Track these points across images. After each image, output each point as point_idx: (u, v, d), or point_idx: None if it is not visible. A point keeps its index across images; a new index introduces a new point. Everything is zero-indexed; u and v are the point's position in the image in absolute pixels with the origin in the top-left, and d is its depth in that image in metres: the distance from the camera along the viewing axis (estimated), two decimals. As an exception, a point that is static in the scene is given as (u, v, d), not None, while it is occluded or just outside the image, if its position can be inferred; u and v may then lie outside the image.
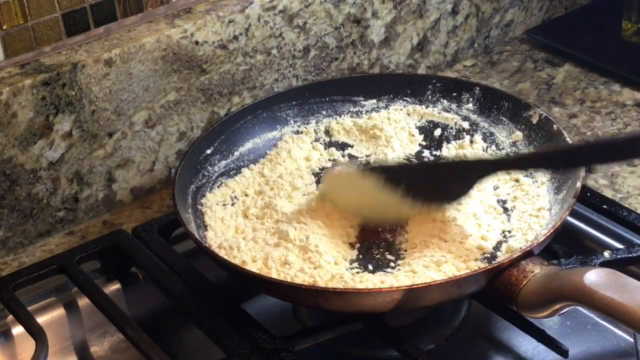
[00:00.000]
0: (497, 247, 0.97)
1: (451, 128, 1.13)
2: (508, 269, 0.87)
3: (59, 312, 1.03)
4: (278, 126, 1.14)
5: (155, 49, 1.11)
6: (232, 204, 1.05)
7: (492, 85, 1.28)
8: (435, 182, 0.99)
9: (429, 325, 1.00)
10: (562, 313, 0.85)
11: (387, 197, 0.97)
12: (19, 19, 1.05)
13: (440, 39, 1.37)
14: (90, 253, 1.04)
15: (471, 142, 1.11)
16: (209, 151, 1.08)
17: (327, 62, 1.27)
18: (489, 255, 0.96)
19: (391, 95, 1.16)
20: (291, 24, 1.21)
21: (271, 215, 1.01)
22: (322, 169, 1.10)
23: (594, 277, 0.81)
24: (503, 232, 0.99)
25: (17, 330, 0.99)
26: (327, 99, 1.15)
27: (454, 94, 1.14)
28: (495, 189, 1.05)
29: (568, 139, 1.01)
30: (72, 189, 1.12)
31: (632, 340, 0.99)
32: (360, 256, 0.98)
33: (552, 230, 0.90)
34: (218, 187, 1.07)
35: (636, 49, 1.38)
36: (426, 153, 1.11)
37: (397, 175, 0.98)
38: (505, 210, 1.02)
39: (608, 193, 1.11)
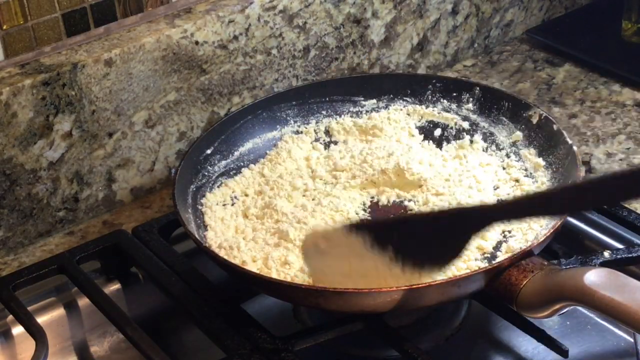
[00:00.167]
0: (497, 247, 0.97)
1: (451, 128, 1.13)
2: (508, 269, 0.87)
3: (59, 312, 1.03)
4: (278, 126, 1.14)
5: (155, 49, 1.11)
6: (232, 204, 1.05)
7: (492, 85, 1.28)
8: (427, 238, 0.89)
9: (429, 325, 1.00)
10: (562, 313, 0.85)
11: (375, 259, 0.88)
12: (19, 19, 1.05)
13: (440, 39, 1.37)
14: (90, 253, 1.04)
15: (471, 142, 1.11)
16: (209, 151, 1.08)
17: (327, 62, 1.27)
18: (489, 255, 0.96)
19: (391, 95, 1.16)
20: (291, 24, 1.21)
21: (271, 215, 1.01)
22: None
23: (594, 277, 0.81)
24: (503, 232, 0.99)
25: (17, 330, 0.99)
26: (327, 99, 1.15)
27: (454, 94, 1.14)
28: (495, 189, 1.05)
29: (568, 139, 1.01)
30: (72, 189, 1.12)
31: (632, 340, 0.99)
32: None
33: (552, 230, 0.90)
34: (218, 187, 1.07)
35: (636, 49, 1.38)
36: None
37: (385, 234, 0.89)
38: (506, 210, 1.02)
39: (608, 193, 1.11)
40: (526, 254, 0.88)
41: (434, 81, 1.15)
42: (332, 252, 0.89)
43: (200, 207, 1.03)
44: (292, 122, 1.14)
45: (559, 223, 0.91)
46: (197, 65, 1.15)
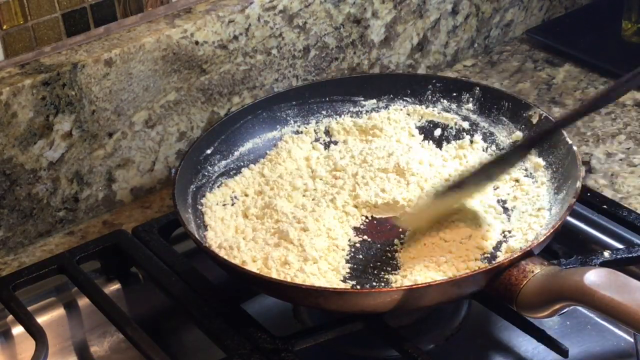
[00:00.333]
0: (497, 247, 0.97)
1: (451, 128, 1.13)
2: (508, 269, 0.87)
3: (59, 312, 1.03)
4: (278, 126, 1.14)
5: (155, 49, 1.11)
6: (232, 204, 1.05)
7: (492, 85, 1.28)
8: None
9: (429, 325, 1.00)
10: (562, 313, 0.85)
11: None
12: (19, 19, 1.05)
13: (440, 39, 1.37)
14: (90, 253, 1.04)
15: (471, 142, 1.11)
16: (209, 151, 1.08)
17: (327, 62, 1.27)
18: (489, 255, 0.96)
19: (391, 95, 1.16)
20: (291, 24, 1.21)
21: (271, 215, 1.01)
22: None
23: (594, 277, 0.81)
24: (503, 232, 0.99)
25: (17, 330, 0.99)
26: (327, 99, 1.15)
27: (454, 94, 1.14)
28: (495, 189, 1.05)
29: (568, 139, 1.01)
30: (72, 189, 1.12)
31: (632, 340, 0.99)
32: (361, 256, 0.98)
33: (552, 230, 0.90)
34: (218, 187, 1.07)
35: (636, 49, 1.38)
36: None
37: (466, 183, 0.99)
38: (505, 210, 1.02)
39: (608, 193, 1.11)
40: (526, 254, 0.88)
41: (434, 81, 1.15)
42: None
43: (200, 207, 1.03)
44: (292, 122, 1.14)
45: (559, 223, 0.91)
46: (197, 65, 1.15)
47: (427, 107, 1.15)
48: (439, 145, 1.13)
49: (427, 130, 1.14)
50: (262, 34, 1.19)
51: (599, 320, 1.01)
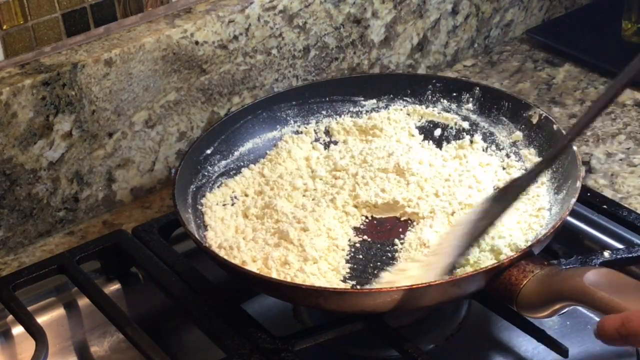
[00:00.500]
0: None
1: (451, 128, 1.13)
2: (508, 269, 0.87)
3: (59, 312, 1.03)
4: (278, 126, 1.14)
5: (155, 49, 1.11)
6: (232, 204, 1.05)
7: (492, 85, 1.28)
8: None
9: (429, 325, 1.00)
10: (562, 313, 0.85)
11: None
12: (19, 19, 1.05)
13: (440, 39, 1.37)
14: (90, 253, 1.04)
15: (471, 142, 1.11)
16: (209, 151, 1.08)
17: (327, 62, 1.27)
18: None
19: (391, 95, 1.16)
20: (291, 24, 1.21)
21: (271, 215, 1.01)
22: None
23: (594, 277, 0.81)
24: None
25: (17, 330, 0.99)
26: (327, 99, 1.15)
27: (454, 94, 1.14)
28: (495, 189, 1.05)
29: (568, 139, 1.01)
30: (72, 189, 1.12)
31: (632, 340, 0.98)
32: (361, 256, 0.98)
33: (552, 230, 0.90)
34: (218, 187, 1.07)
35: (636, 49, 1.36)
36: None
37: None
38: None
39: (608, 193, 1.11)
40: (526, 254, 0.88)
41: (433, 81, 1.15)
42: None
43: (200, 207, 1.03)
44: (292, 122, 1.14)
45: (559, 223, 0.91)
46: (197, 65, 1.15)
47: (427, 107, 1.15)
48: (439, 145, 1.13)
49: (427, 130, 1.14)
50: (262, 34, 1.19)
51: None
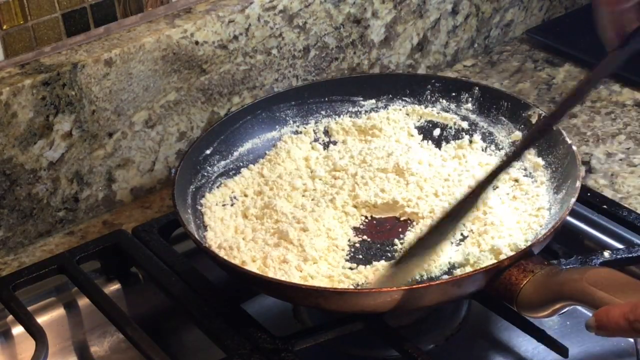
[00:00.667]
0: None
1: (450, 128, 1.13)
2: (508, 269, 0.87)
3: (59, 312, 1.03)
4: (277, 126, 1.14)
5: (155, 49, 1.11)
6: (232, 205, 1.05)
7: (492, 85, 1.28)
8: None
9: (429, 325, 1.00)
10: (562, 313, 0.85)
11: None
12: (19, 19, 1.05)
13: (440, 39, 1.37)
14: (90, 253, 1.04)
15: (470, 142, 1.11)
16: (208, 151, 1.08)
17: (327, 62, 1.27)
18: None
19: (390, 95, 1.16)
20: (291, 24, 1.21)
21: (271, 216, 1.01)
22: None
23: (594, 277, 0.81)
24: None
25: (17, 330, 0.99)
26: (326, 99, 1.15)
27: (453, 94, 1.14)
28: (494, 189, 1.05)
29: (567, 139, 1.01)
30: (72, 189, 1.12)
31: (632, 340, 0.98)
32: (360, 256, 0.98)
33: (552, 230, 0.90)
34: (217, 187, 1.07)
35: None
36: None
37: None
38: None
39: (608, 193, 1.11)
40: (526, 254, 0.88)
41: (433, 81, 1.15)
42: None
43: (199, 208, 1.03)
44: (291, 122, 1.14)
45: (559, 223, 0.91)
46: (197, 65, 1.15)
47: (426, 107, 1.15)
48: (438, 145, 1.13)
49: (426, 130, 1.14)
50: (262, 34, 1.19)
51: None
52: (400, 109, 1.15)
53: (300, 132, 1.14)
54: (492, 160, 1.09)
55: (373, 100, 1.16)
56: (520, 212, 1.00)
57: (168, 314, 1.06)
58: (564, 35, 1.42)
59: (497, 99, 1.11)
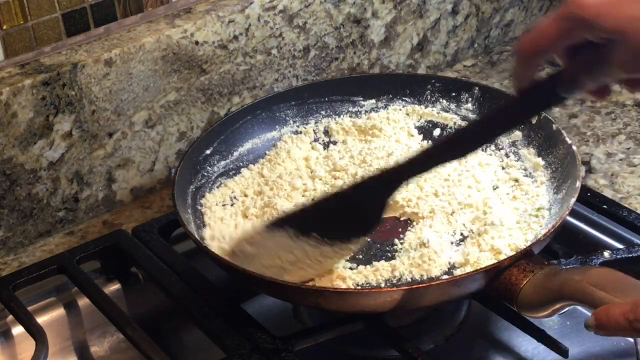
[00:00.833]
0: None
1: (450, 128, 1.13)
2: (508, 269, 0.87)
3: (59, 312, 1.03)
4: (277, 126, 1.14)
5: (155, 49, 1.11)
6: (232, 204, 1.05)
7: (492, 85, 1.28)
8: (346, 212, 0.93)
9: (429, 325, 1.00)
10: (562, 313, 0.85)
11: (303, 247, 0.92)
12: (19, 19, 1.05)
13: (440, 39, 1.37)
14: (90, 253, 1.04)
15: (471, 142, 1.11)
16: (208, 151, 1.08)
17: (327, 62, 1.27)
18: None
19: (390, 95, 1.16)
20: (291, 24, 1.21)
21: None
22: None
23: (594, 277, 0.81)
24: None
25: (17, 330, 0.99)
26: (326, 99, 1.15)
27: (453, 94, 1.14)
28: (494, 189, 1.05)
29: (567, 139, 1.01)
30: (72, 189, 1.12)
31: (632, 340, 0.99)
32: (360, 256, 0.98)
33: (552, 230, 0.90)
34: (217, 187, 1.07)
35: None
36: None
37: (305, 221, 0.93)
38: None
39: (608, 193, 1.11)
40: (526, 254, 0.88)
41: (433, 81, 1.15)
42: (260, 252, 0.93)
43: (199, 208, 1.03)
44: (291, 122, 1.14)
45: (559, 223, 0.91)
46: (197, 65, 1.15)
47: (426, 107, 1.15)
48: (438, 145, 1.13)
49: (426, 130, 1.14)
50: (262, 34, 1.19)
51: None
52: (400, 109, 1.15)
53: (300, 132, 1.14)
54: (492, 160, 1.09)
55: (373, 100, 1.16)
56: (520, 212, 1.00)
57: (168, 314, 1.06)
58: (564, 35, 1.42)
59: (496, 99, 1.11)
